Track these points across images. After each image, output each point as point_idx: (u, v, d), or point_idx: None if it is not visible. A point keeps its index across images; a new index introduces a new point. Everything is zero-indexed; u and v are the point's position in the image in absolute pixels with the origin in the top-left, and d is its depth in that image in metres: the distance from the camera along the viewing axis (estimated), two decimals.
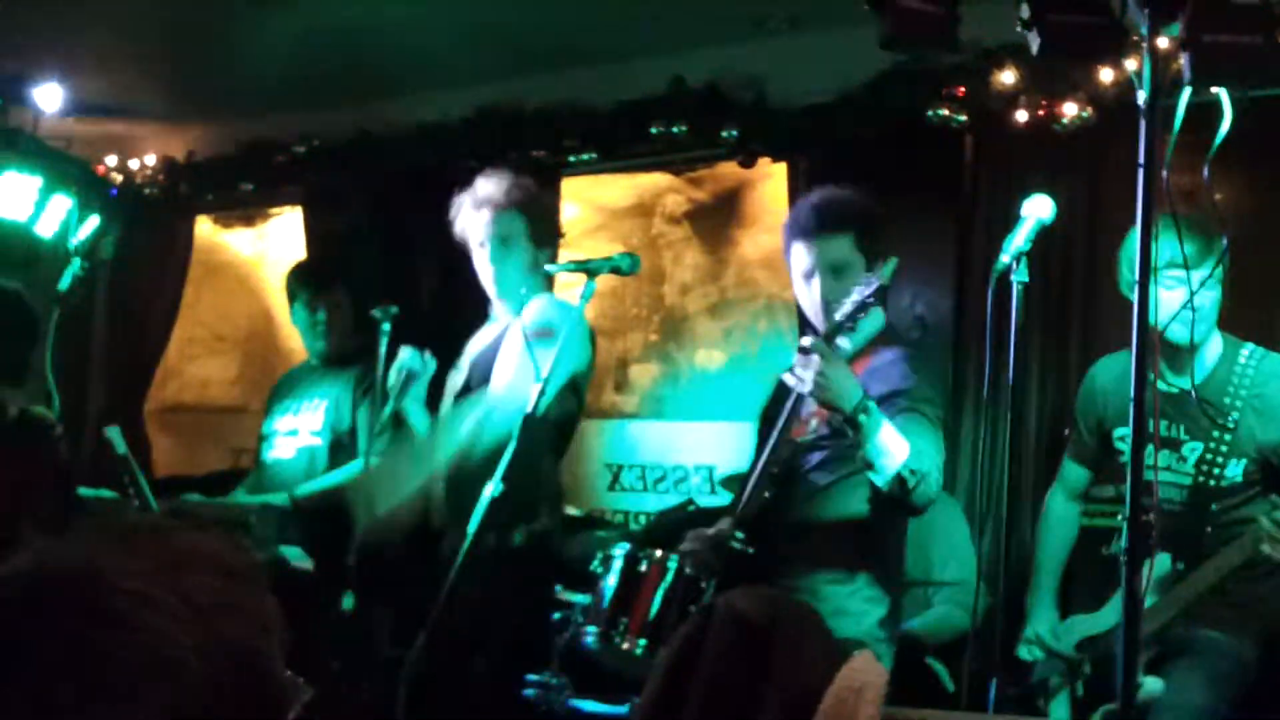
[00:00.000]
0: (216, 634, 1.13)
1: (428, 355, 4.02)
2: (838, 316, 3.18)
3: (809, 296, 3.44)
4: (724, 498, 4.97)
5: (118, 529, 1.21)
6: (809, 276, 3.43)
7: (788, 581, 3.37)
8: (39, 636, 1.08)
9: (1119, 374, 3.49)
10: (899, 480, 3.16)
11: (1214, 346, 3.45)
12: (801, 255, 3.44)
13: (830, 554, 3.40)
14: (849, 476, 3.37)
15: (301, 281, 4.93)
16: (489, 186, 3.98)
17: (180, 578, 1.14)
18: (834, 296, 3.32)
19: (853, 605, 3.38)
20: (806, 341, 3.22)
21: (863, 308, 3.14)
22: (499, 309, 4.06)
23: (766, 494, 3.35)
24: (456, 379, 4.07)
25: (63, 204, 6.14)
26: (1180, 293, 3.20)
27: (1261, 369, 3.40)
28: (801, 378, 3.17)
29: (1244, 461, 3.36)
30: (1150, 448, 3.33)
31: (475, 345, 4.08)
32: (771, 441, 3.37)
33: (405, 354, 3.98)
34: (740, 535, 3.30)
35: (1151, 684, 3.20)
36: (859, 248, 3.40)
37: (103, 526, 1.23)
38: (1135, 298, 2.32)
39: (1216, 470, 3.36)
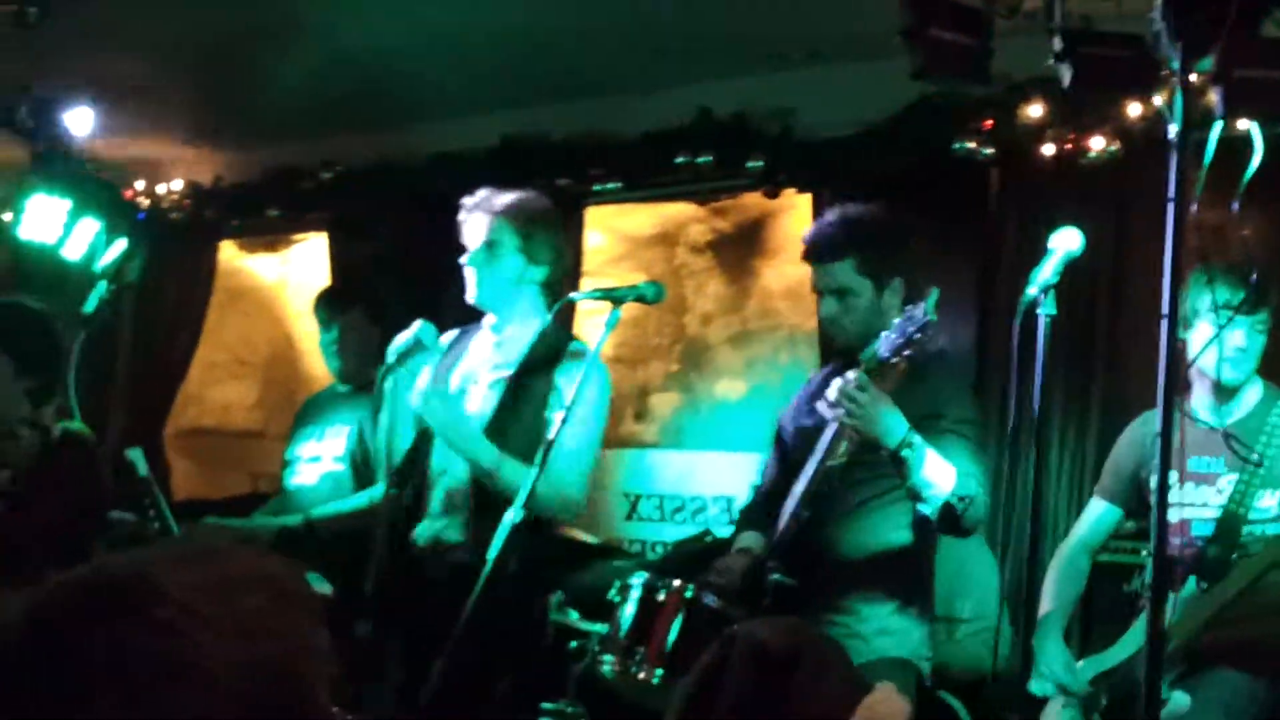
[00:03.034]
0: (259, 653, 1.14)
1: (441, 337, 3.91)
2: (883, 352, 3.14)
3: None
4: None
5: (180, 547, 1.24)
6: (821, 296, 3.53)
7: (828, 604, 3.35)
8: (82, 637, 1.10)
9: None
10: (948, 508, 3.16)
11: (1255, 390, 3.51)
12: (814, 277, 3.54)
13: (870, 575, 3.40)
14: (881, 496, 3.38)
15: (320, 303, 4.98)
16: (491, 194, 3.88)
17: (231, 596, 1.16)
18: (835, 319, 3.47)
19: (895, 624, 3.38)
20: (850, 375, 3.20)
21: (909, 344, 3.11)
22: (487, 321, 3.94)
23: (805, 513, 3.35)
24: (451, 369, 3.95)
25: (90, 227, 6.17)
26: (1236, 334, 3.30)
27: None
28: (844, 412, 3.16)
29: (1273, 492, 3.37)
30: (1188, 484, 3.37)
31: (472, 356, 3.96)
32: (809, 471, 3.35)
33: (419, 325, 3.83)
34: (774, 565, 3.29)
35: (1179, 699, 3.18)
36: (862, 271, 3.44)
37: (166, 545, 1.26)
38: (1164, 333, 2.31)
39: (1248, 500, 3.38)
